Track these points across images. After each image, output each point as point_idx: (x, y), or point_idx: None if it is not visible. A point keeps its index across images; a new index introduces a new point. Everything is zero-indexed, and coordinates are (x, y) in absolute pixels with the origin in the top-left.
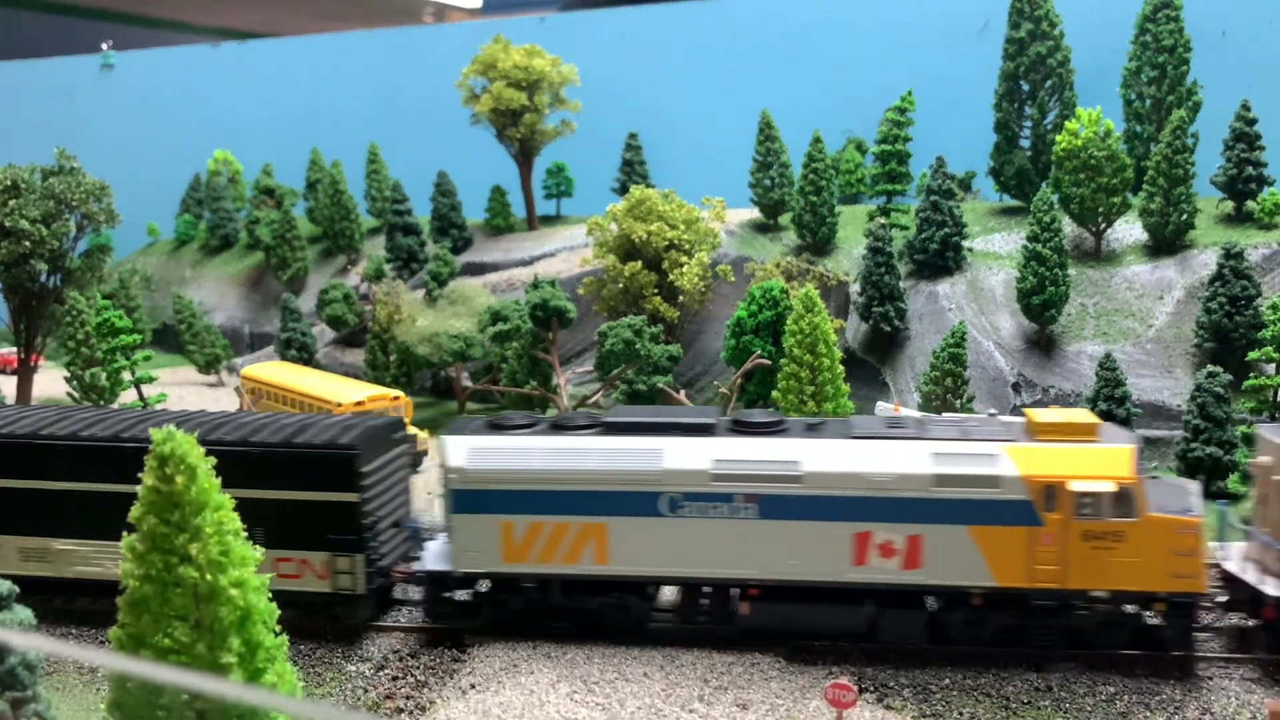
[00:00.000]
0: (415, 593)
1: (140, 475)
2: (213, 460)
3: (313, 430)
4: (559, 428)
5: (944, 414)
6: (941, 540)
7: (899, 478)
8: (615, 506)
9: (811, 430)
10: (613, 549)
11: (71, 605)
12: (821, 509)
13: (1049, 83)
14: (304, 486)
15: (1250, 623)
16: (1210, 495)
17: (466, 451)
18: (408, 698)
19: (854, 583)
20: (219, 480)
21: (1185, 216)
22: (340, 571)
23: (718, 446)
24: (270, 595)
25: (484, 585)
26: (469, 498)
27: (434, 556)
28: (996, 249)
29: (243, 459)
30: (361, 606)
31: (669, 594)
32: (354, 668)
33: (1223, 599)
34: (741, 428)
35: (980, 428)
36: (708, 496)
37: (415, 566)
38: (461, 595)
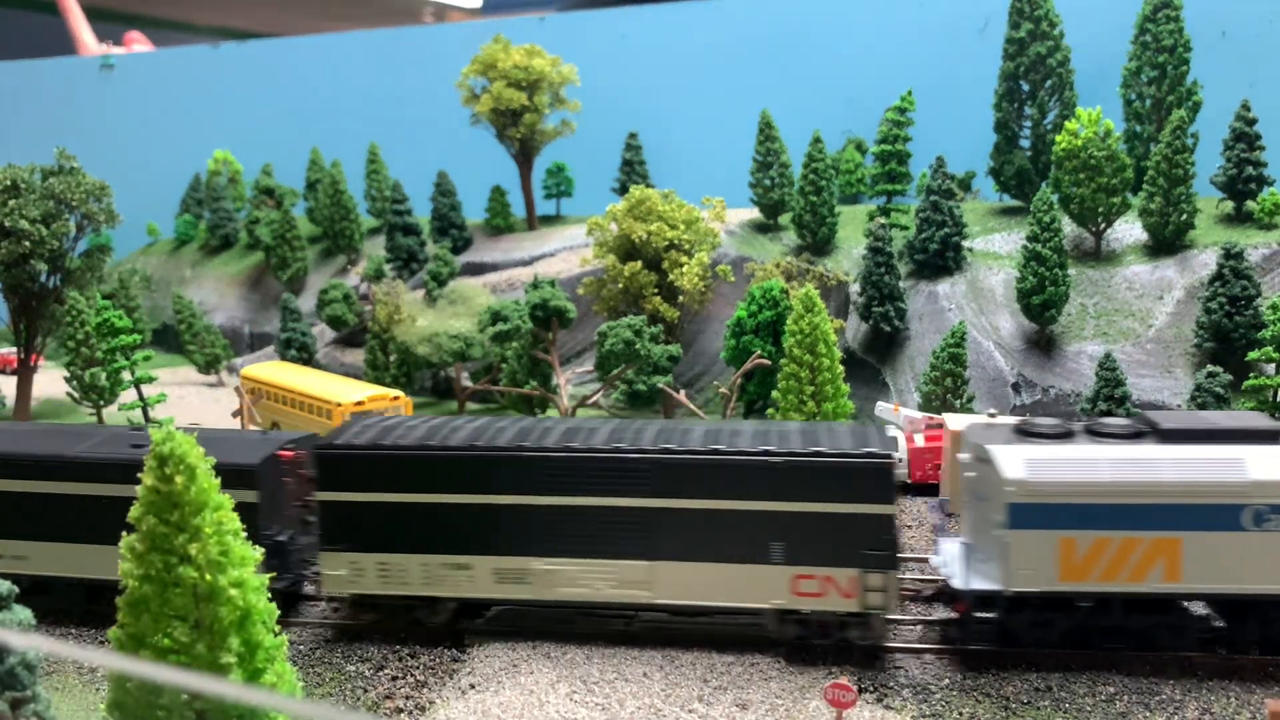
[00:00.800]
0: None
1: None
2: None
3: (830, 437)
4: (1099, 434)
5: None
6: None
7: None
8: (1191, 520)
9: None
10: (1186, 565)
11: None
12: None
13: (1049, 83)
14: (834, 498)
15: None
16: None
17: (1024, 463)
18: (407, 698)
19: None
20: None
21: (1185, 216)
22: (872, 589)
23: None
24: (784, 614)
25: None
26: (1027, 512)
27: (973, 575)
28: (996, 249)
29: (760, 469)
30: (880, 626)
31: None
32: (354, 668)
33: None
34: None
35: None
36: None
37: (954, 584)
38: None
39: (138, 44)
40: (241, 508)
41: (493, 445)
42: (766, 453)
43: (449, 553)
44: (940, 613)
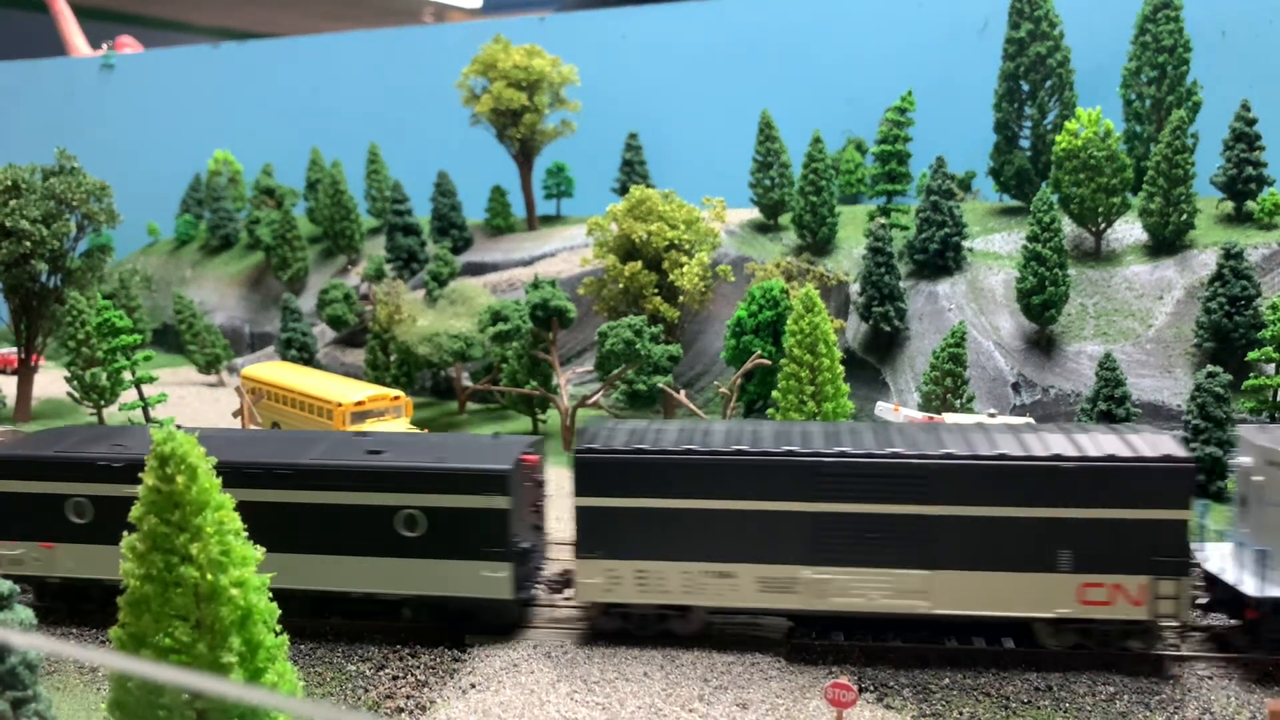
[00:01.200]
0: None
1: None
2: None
3: (1122, 441)
4: None
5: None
6: None
7: None
8: None
9: None
10: None
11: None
12: None
13: (1049, 83)
14: (1127, 503)
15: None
16: (1209, 495)
17: None
18: (408, 697)
19: None
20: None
21: (1185, 216)
22: (1163, 597)
23: None
24: (1062, 623)
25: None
26: None
27: (1267, 581)
28: (996, 249)
29: (1050, 474)
30: (1160, 637)
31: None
32: (354, 667)
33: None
34: None
35: None
36: None
37: (1245, 590)
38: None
39: (128, 47)
40: (493, 515)
41: (763, 449)
42: (1057, 457)
43: (712, 560)
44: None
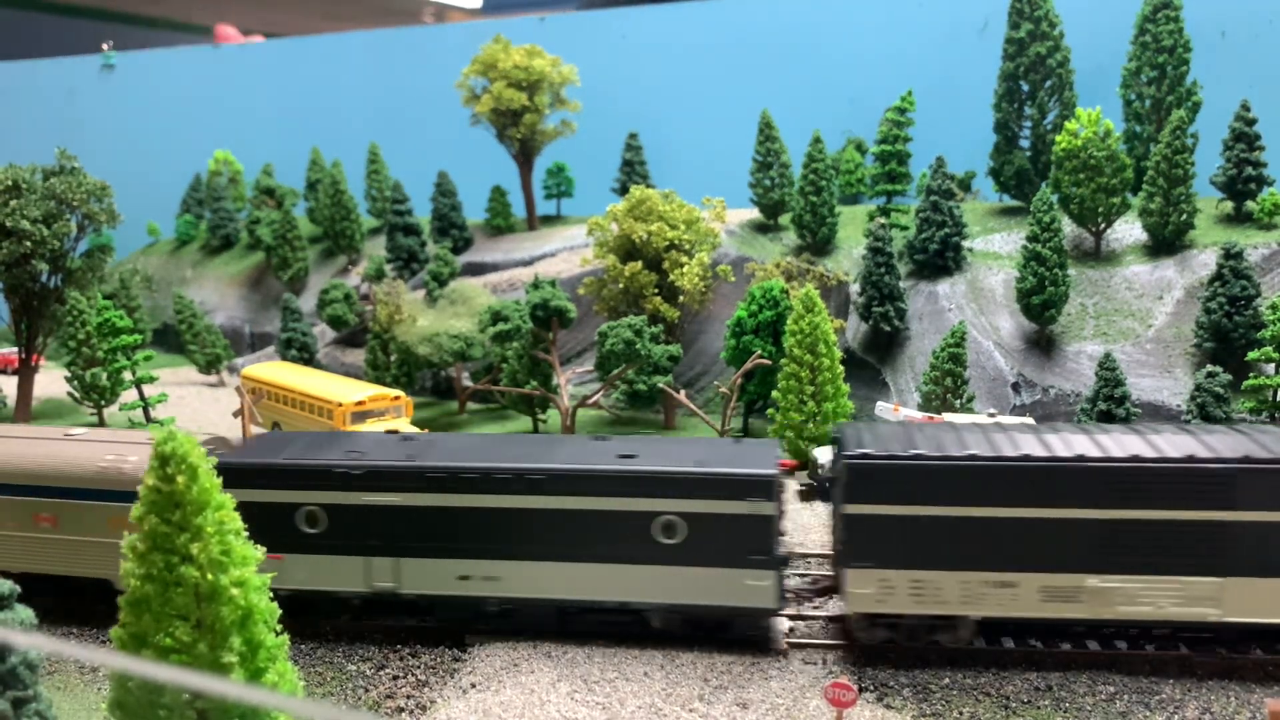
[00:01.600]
0: None
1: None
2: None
3: None
4: None
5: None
6: None
7: None
8: None
9: None
10: None
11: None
12: None
13: (1049, 83)
14: None
15: None
16: None
17: None
18: (408, 697)
19: None
20: None
21: (1185, 216)
22: None
23: None
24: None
25: None
26: None
27: None
28: (996, 249)
29: None
30: None
31: None
32: (354, 667)
33: None
34: None
35: None
36: None
37: None
38: None
39: (233, 39)
40: (758, 521)
41: (1052, 455)
42: None
43: (993, 569)
44: None
